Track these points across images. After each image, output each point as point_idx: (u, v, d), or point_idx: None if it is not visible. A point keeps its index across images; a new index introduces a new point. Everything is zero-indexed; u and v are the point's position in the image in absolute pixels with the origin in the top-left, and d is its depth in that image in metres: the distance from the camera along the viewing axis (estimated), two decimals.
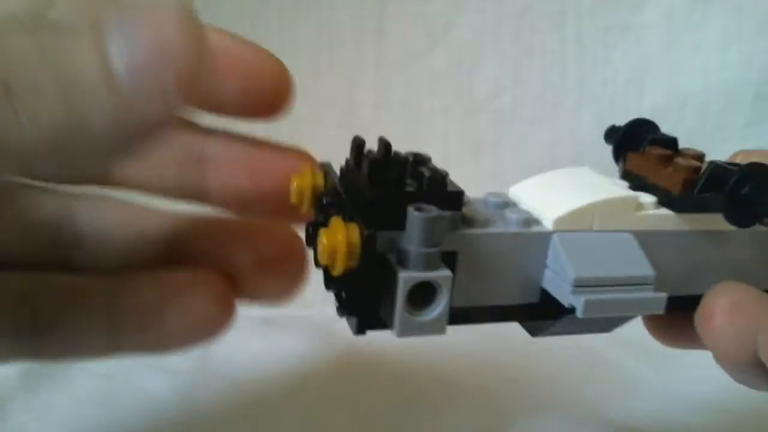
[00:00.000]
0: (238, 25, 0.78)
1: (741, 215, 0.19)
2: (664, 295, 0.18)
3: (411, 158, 0.19)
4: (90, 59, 0.15)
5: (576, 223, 0.19)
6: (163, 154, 0.22)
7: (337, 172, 0.21)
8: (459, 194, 0.18)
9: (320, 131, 0.70)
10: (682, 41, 0.58)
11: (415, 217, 0.16)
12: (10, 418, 0.34)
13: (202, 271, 0.23)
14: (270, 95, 0.22)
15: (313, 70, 0.69)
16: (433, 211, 0.16)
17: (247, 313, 0.48)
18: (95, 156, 0.16)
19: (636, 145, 0.23)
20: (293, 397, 0.36)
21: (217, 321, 0.23)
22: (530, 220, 0.19)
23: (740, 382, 0.20)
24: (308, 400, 0.36)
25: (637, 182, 0.22)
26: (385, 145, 0.19)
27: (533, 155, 0.61)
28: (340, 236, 0.15)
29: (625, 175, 0.23)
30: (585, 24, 0.60)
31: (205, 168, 0.23)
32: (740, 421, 0.33)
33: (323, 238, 0.16)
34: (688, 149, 0.22)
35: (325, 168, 0.21)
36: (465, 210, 0.18)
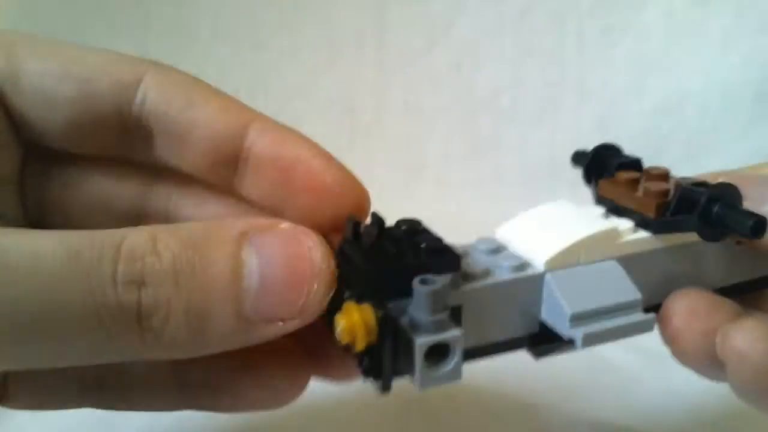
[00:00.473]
0: (239, 25, 0.78)
1: (713, 232, 0.21)
2: (652, 316, 0.20)
3: (404, 227, 0.20)
4: (223, 278, 0.17)
5: (565, 261, 0.21)
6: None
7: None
8: (456, 258, 0.19)
9: (320, 131, 0.70)
10: (682, 41, 0.58)
11: (421, 291, 0.17)
12: (10, 418, 0.34)
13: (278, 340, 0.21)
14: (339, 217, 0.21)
15: (313, 70, 0.70)
16: (437, 282, 0.17)
17: None
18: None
19: (603, 167, 0.25)
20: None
21: (290, 392, 0.22)
22: (523, 265, 0.20)
23: (696, 372, 0.23)
24: (307, 398, 0.36)
25: (611, 206, 0.23)
26: (378, 222, 0.20)
27: (533, 155, 0.61)
28: (356, 318, 0.17)
29: (599, 200, 0.24)
30: (585, 24, 0.60)
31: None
32: (738, 421, 0.33)
33: (341, 321, 0.17)
34: (653, 168, 0.23)
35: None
36: (463, 263, 0.20)
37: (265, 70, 0.69)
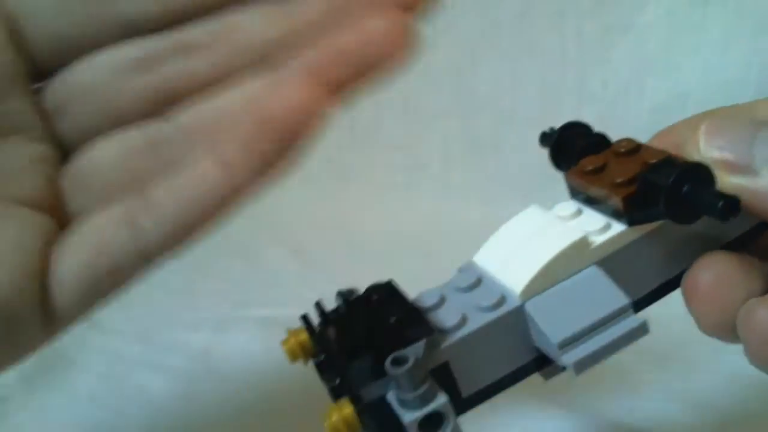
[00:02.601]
0: None
1: (685, 215, 0.20)
2: (644, 320, 0.19)
3: (375, 296, 0.20)
4: None
5: (540, 285, 0.20)
6: None
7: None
8: (426, 324, 0.19)
9: (320, 131, 0.70)
10: (682, 41, 0.58)
11: (395, 373, 0.17)
12: (10, 418, 0.34)
13: None
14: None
15: None
16: (408, 360, 0.17)
17: (247, 313, 0.48)
18: None
19: (570, 150, 0.23)
20: (292, 396, 0.36)
21: None
22: (499, 301, 0.20)
23: (719, 340, 0.22)
24: (307, 399, 0.36)
25: (584, 198, 0.22)
26: (345, 301, 0.20)
27: (533, 155, 0.60)
28: (335, 418, 0.17)
29: (573, 193, 0.23)
30: (585, 24, 0.60)
31: None
32: (739, 421, 0.33)
33: (325, 423, 0.18)
34: (620, 144, 0.22)
35: (305, 321, 0.22)
36: (436, 318, 0.19)
37: None
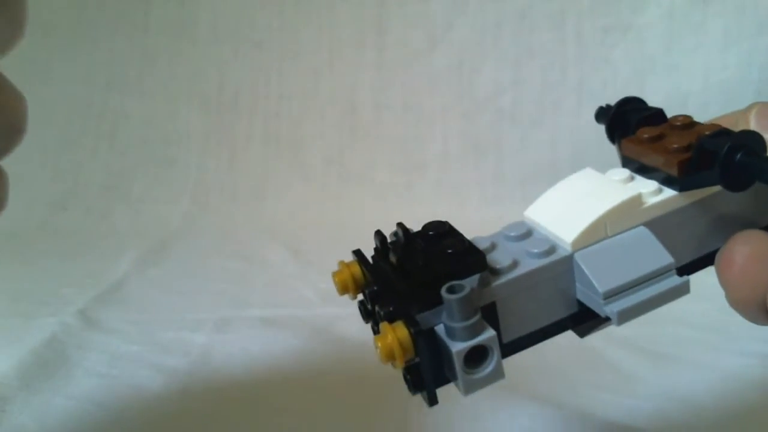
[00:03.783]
0: (240, 26, 0.78)
1: (737, 182, 0.20)
2: (687, 278, 0.20)
3: (431, 232, 0.20)
4: None
5: (591, 237, 0.20)
6: None
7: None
8: (482, 257, 0.19)
9: (320, 131, 0.71)
10: (682, 41, 0.58)
11: (449, 300, 0.17)
12: (10, 418, 0.34)
13: None
14: None
15: (313, 70, 0.70)
16: (464, 288, 0.17)
17: (246, 313, 0.48)
18: None
19: (626, 123, 0.24)
20: (293, 397, 0.36)
21: None
22: (550, 249, 0.20)
23: (744, 317, 0.22)
24: (307, 399, 0.36)
25: (637, 167, 0.23)
26: (403, 232, 0.20)
27: (533, 155, 0.61)
28: (390, 338, 0.17)
29: (625, 162, 0.24)
30: (585, 24, 0.60)
31: None
32: (738, 420, 0.33)
33: (378, 343, 0.18)
34: (677, 118, 0.23)
35: (358, 255, 0.22)
36: (489, 259, 0.20)
37: (265, 70, 0.69)
